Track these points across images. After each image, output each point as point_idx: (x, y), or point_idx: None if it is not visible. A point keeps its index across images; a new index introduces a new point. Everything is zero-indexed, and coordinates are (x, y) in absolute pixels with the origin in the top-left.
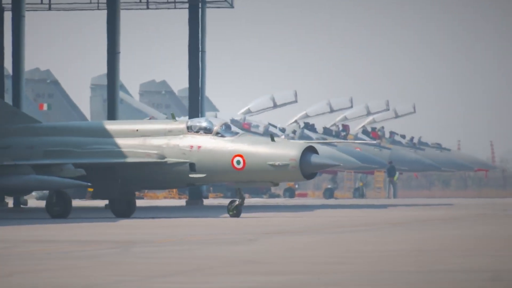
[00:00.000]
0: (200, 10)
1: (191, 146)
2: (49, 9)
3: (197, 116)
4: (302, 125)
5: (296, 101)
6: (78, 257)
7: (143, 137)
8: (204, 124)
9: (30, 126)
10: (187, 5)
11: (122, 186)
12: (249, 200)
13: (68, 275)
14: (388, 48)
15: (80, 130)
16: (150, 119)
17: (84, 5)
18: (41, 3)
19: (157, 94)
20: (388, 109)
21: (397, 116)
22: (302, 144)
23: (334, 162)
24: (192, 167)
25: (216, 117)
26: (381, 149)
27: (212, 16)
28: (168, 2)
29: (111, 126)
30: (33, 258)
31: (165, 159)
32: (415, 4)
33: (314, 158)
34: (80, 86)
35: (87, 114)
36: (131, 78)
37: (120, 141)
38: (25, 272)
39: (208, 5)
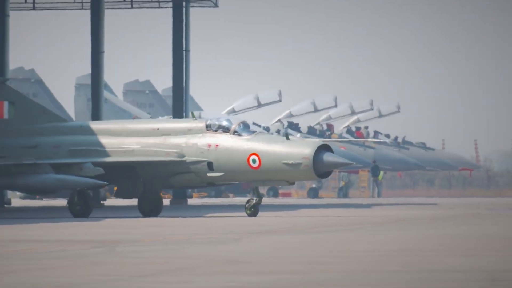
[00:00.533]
0: (184, 9)
1: (209, 145)
2: (33, 8)
3: (181, 116)
4: (286, 124)
5: (280, 101)
6: (64, 257)
7: (163, 136)
8: (222, 122)
9: (56, 125)
10: (171, 4)
11: (144, 185)
12: (232, 200)
13: (54, 274)
14: (372, 48)
15: (103, 129)
16: (134, 118)
17: (68, 4)
18: (25, 2)
19: (141, 94)
20: (372, 109)
21: (381, 116)
22: (316, 142)
23: (347, 161)
24: (210, 166)
25: (200, 116)
26: (366, 148)
27: (196, 15)
28: (152, 1)
29: (133, 125)
30: (20, 258)
31: (184, 158)
32: (398, 4)
33: (327, 157)
34: (64, 85)
35: (72, 114)
36: (115, 78)
37: (142, 140)
38: (11, 271)
39: (192, 4)
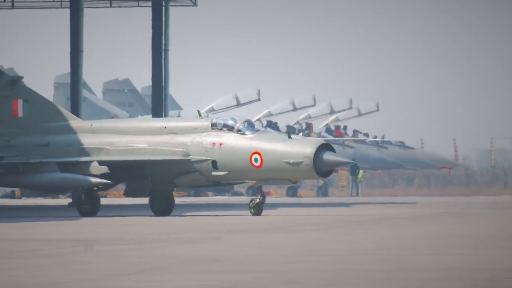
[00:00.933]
0: (163, 8)
1: (213, 144)
2: (12, 7)
3: (160, 115)
4: (264, 123)
5: (259, 99)
6: (41, 256)
7: (170, 135)
8: (227, 121)
9: (68, 123)
10: (150, 3)
11: (153, 184)
12: (211, 198)
13: (30, 274)
14: (351, 47)
15: (114, 128)
16: (113, 117)
17: (48, 3)
18: (4, 1)
19: (120, 93)
20: (351, 108)
21: (360, 115)
22: (317, 141)
23: (348, 160)
24: (215, 164)
25: (179, 115)
26: (344, 147)
27: (176, 14)
28: (131, 0)
29: (142, 123)
30: None
31: (189, 157)
32: (376, 4)
33: (327, 156)
34: (43, 84)
35: None
36: (94, 77)
37: (150, 139)
38: None
39: (171, 3)
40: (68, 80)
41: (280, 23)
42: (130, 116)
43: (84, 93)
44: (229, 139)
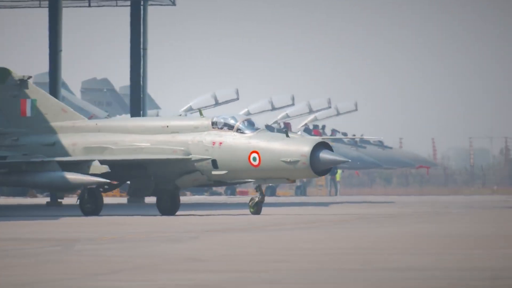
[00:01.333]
0: (142, 7)
1: (213, 143)
2: None
3: (139, 114)
4: None
5: (237, 99)
6: (20, 256)
7: (172, 134)
8: (227, 120)
9: (74, 123)
10: (129, 3)
11: (156, 184)
12: (190, 198)
13: (9, 273)
14: (330, 46)
15: (118, 127)
16: (91, 117)
17: (26, 2)
18: None
19: (99, 92)
20: (330, 107)
21: (338, 114)
22: (314, 140)
23: (344, 158)
24: (215, 164)
25: (157, 115)
26: None
27: (154, 14)
28: (110, 0)
29: (145, 122)
30: None
31: (190, 156)
32: (353, 3)
33: (323, 154)
34: None
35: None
36: (73, 76)
37: (152, 138)
38: None
39: (150, 2)
40: (46, 79)
41: (258, 23)
42: (109, 116)
43: (63, 92)
44: (229, 138)
